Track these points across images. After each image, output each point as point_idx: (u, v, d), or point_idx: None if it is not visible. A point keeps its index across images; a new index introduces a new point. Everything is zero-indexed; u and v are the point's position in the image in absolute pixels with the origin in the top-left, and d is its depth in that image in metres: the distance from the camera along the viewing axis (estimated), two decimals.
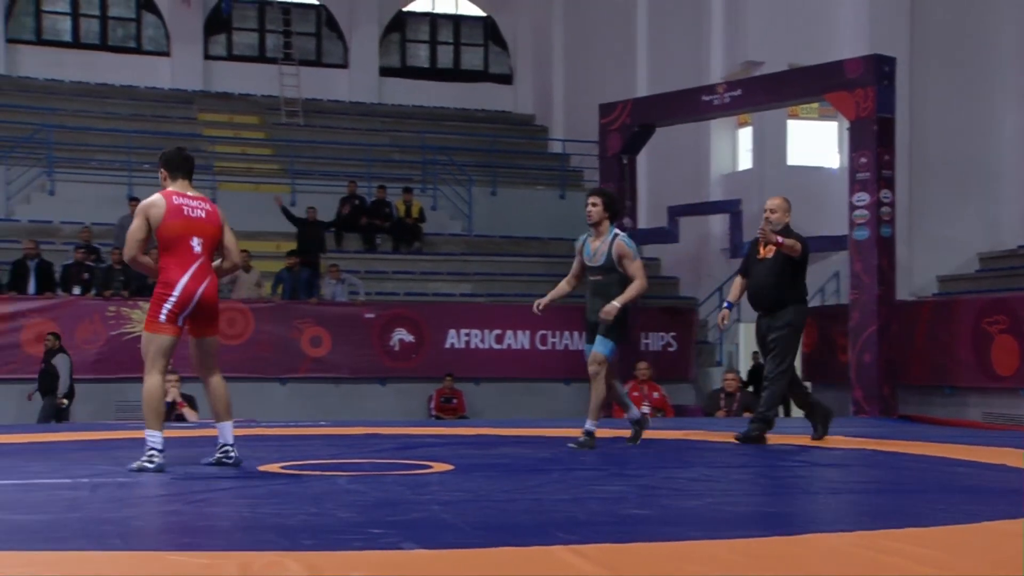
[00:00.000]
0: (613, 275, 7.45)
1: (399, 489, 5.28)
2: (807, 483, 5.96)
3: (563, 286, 7.82)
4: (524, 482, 5.60)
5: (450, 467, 6.29)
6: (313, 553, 3.58)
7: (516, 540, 3.84)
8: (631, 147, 16.41)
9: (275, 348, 15.29)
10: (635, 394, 13.78)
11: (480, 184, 21.11)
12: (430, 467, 6.31)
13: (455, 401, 15.70)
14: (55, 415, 13.53)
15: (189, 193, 6.18)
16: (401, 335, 16.00)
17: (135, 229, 6.04)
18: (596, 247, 7.53)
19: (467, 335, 16.29)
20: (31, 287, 15.27)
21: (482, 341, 16.38)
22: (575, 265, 7.73)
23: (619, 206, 6.89)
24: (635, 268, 7.34)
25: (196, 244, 6.06)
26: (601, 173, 17.21)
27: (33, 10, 23.33)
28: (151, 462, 5.92)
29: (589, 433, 7.48)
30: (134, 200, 17.10)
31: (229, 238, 6.28)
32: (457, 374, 15.81)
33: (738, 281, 8.36)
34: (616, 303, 7.27)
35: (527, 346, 16.72)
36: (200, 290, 6.02)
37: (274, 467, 6.27)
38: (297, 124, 22.81)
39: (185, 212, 6.07)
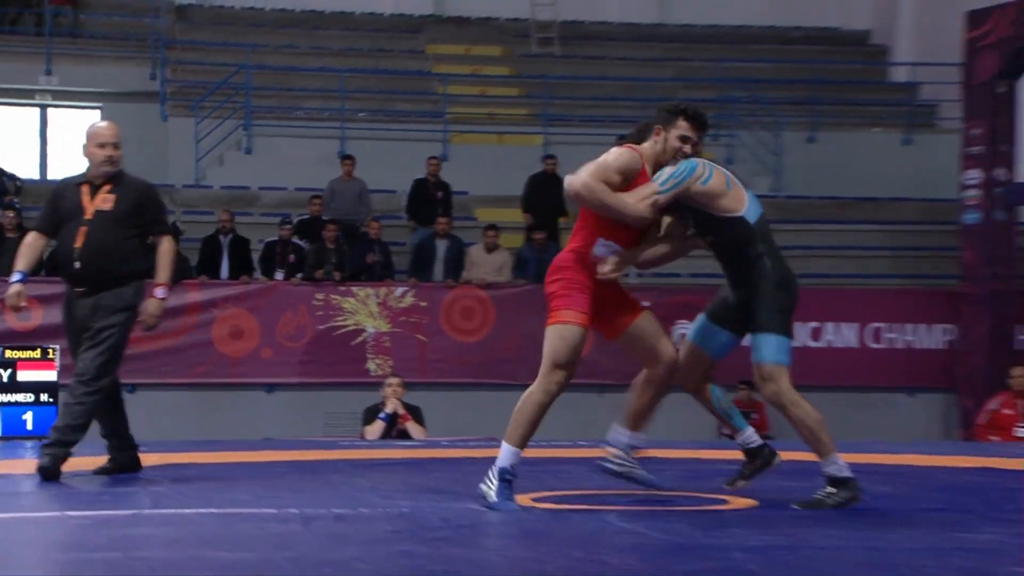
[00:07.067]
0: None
1: (687, 529, 5.33)
2: None
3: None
4: (850, 524, 5.56)
5: (754, 503, 6.32)
6: None
7: None
8: (1012, 70, 15.83)
9: (520, 347, 15.53)
10: (1007, 411, 13.35)
11: (794, 127, 20.80)
12: (726, 502, 6.36)
13: (756, 416, 15.55)
14: None
15: None
16: (685, 329, 16.03)
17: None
18: None
19: None
20: (223, 270, 16.10)
21: (795, 337, 16.13)
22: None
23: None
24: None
25: None
26: (965, 107, 16.64)
27: None
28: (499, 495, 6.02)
29: (839, 480, 6.21)
30: (347, 158, 17.78)
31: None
32: None
33: None
34: None
35: (855, 343, 16.45)
36: None
37: (525, 499, 6.37)
38: (552, 55, 23.03)
39: None
